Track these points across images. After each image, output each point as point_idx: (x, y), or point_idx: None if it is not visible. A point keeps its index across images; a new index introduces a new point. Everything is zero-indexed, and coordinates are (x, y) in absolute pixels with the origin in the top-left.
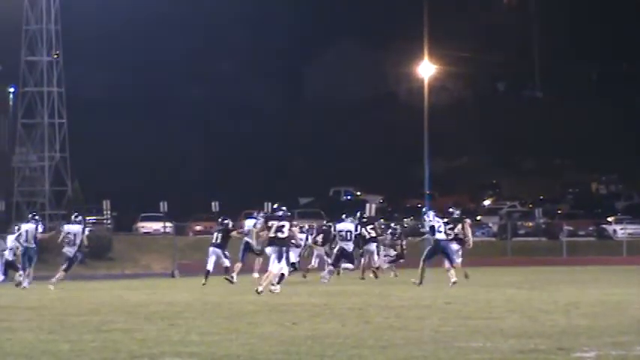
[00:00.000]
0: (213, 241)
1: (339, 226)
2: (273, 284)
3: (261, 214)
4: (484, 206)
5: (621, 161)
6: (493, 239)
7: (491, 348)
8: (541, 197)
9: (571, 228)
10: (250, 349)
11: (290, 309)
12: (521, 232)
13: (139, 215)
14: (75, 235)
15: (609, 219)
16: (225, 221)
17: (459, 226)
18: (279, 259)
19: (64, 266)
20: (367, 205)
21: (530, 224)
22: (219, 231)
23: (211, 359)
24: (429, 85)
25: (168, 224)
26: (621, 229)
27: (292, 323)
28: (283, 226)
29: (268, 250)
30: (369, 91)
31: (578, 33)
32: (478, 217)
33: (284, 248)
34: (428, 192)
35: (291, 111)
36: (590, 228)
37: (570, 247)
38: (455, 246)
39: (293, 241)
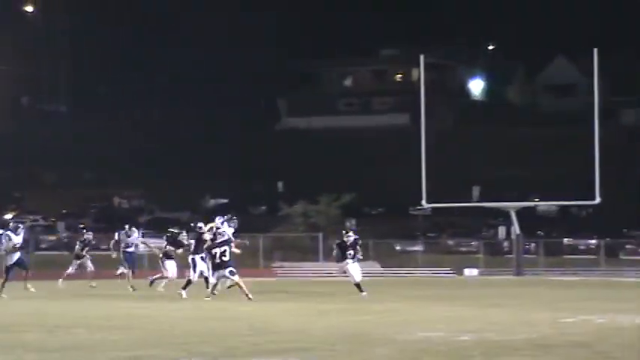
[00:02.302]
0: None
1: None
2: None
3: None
4: (6, 220)
5: (144, 176)
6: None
7: None
8: (64, 211)
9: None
10: None
11: None
12: (44, 245)
13: None
14: None
15: None
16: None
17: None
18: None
19: None
20: None
21: (54, 238)
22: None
23: None
24: None
25: None
26: (142, 242)
27: None
28: (225, 250)
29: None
30: None
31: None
32: None
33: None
34: None
35: None
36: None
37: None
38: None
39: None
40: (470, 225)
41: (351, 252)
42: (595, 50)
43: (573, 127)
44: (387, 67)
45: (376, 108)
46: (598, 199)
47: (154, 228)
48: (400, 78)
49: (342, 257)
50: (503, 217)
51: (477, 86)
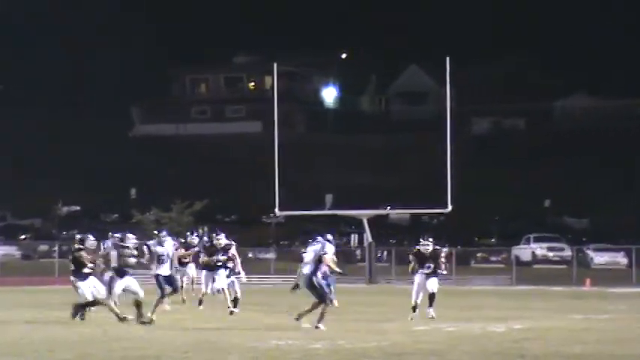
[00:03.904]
0: None
1: None
2: None
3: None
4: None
5: None
6: None
7: None
8: None
9: None
10: None
11: None
12: None
13: None
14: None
15: None
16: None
17: None
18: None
19: None
20: None
21: None
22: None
23: None
24: None
25: None
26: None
27: None
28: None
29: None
30: None
31: None
32: None
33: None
34: None
35: None
36: None
37: None
38: None
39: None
40: (322, 233)
41: (430, 265)
42: (447, 59)
43: (425, 136)
44: (240, 74)
45: (229, 116)
46: (449, 208)
47: (6, 235)
48: (253, 86)
49: (419, 270)
50: (356, 225)
51: (329, 94)
